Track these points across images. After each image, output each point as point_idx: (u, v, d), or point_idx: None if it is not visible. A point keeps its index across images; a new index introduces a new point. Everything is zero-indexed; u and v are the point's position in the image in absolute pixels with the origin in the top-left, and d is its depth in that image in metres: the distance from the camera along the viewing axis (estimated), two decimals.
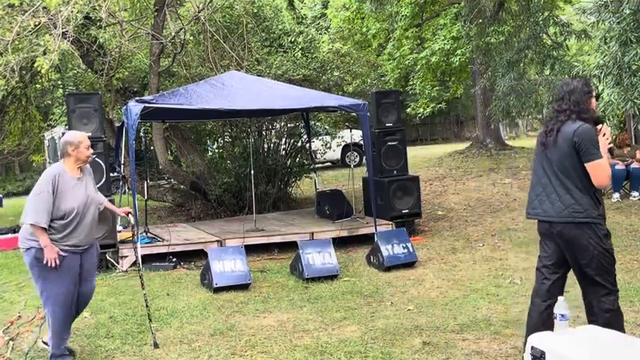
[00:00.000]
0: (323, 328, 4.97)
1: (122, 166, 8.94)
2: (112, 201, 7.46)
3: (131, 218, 4.80)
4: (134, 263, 7.37)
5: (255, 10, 11.63)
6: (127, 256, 7.45)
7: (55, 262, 4.13)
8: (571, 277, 5.86)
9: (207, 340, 4.82)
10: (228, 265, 6.33)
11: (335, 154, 17.14)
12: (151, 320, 4.84)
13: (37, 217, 4.11)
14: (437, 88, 18.60)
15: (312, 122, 11.62)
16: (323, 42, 13.94)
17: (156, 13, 9.81)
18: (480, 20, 11.61)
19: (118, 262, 7.42)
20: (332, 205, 9.09)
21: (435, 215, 9.73)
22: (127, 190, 9.10)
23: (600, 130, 3.68)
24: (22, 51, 7.73)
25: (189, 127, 11.90)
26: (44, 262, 4.13)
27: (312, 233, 8.03)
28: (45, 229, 4.12)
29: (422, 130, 30.18)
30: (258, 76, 9.93)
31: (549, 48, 10.15)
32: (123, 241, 7.63)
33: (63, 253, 4.18)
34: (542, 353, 2.94)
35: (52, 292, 4.21)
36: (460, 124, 30.61)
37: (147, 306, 4.81)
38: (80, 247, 4.32)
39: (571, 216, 3.60)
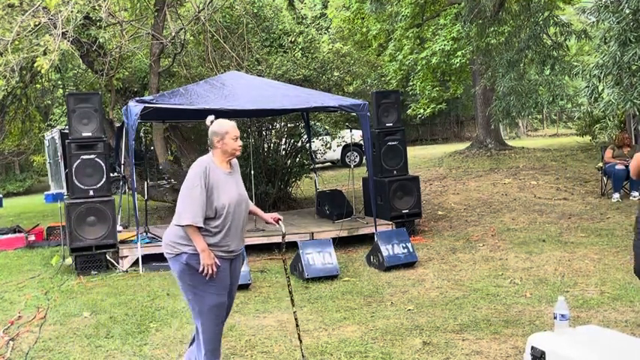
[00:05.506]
0: (323, 328, 4.97)
1: (122, 166, 8.95)
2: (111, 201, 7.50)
3: (282, 226, 4.22)
4: (135, 263, 7.37)
5: (255, 10, 11.64)
6: (127, 256, 7.45)
7: (212, 269, 3.57)
8: (575, 278, 5.81)
9: None
10: None
11: (335, 154, 17.15)
12: (301, 341, 4.29)
13: (195, 217, 3.52)
14: (437, 88, 18.62)
15: (312, 122, 11.62)
16: (323, 42, 13.93)
17: (156, 13, 9.84)
18: (480, 20, 11.60)
19: (118, 262, 7.42)
20: (332, 205, 9.09)
21: (435, 215, 9.72)
22: (127, 190, 9.11)
23: None
24: (22, 51, 7.74)
25: (190, 127, 11.90)
26: (199, 269, 3.56)
27: (312, 233, 8.03)
28: (199, 229, 3.57)
29: (422, 130, 30.14)
30: (258, 76, 9.94)
31: (549, 48, 10.14)
32: (123, 241, 7.63)
33: (218, 262, 3.61)
34: (542, 353, 2.94)
35: (205, 306, 3.61)
36: (460, 124, 30.58)
37: (297, 325, 4.26)
38: (234, 252, 3.74)
39: None
